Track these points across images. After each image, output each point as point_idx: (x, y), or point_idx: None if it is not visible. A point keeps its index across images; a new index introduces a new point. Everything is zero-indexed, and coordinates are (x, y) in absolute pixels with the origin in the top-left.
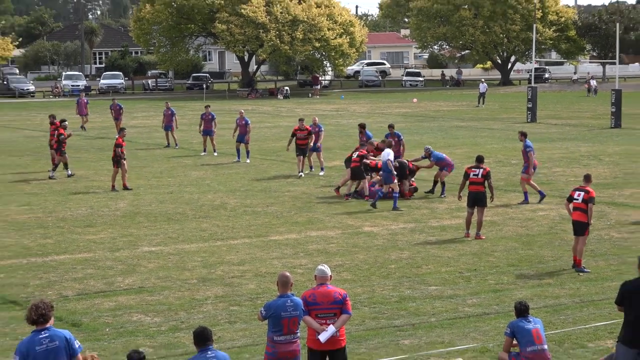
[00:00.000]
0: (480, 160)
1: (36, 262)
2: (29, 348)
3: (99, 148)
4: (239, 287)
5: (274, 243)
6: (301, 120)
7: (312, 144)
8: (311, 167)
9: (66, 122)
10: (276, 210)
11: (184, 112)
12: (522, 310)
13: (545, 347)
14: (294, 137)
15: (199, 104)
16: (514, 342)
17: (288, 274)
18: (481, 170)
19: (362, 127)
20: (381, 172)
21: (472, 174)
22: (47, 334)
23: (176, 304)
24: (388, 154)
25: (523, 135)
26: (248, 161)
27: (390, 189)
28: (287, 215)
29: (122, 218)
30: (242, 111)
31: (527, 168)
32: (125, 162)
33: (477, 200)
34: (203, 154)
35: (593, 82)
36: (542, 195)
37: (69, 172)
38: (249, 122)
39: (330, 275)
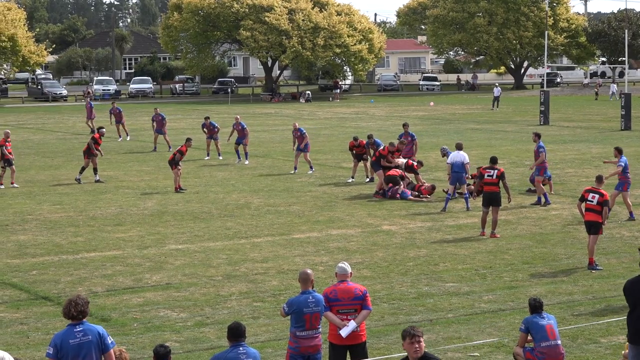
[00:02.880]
0: (494, 161)
1: (67, 259)
2: (64, 340)
3: (128, 150)
4: (262, 284)
5: (296, 241)
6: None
7: (297, 146)
8: (311, 167)
9: (104, 129)
10: (298, 210)
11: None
12: (536, 307)
13: (559, 342)
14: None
15: (224, 108)
16: (529, 337)
17: (309, 271)
18: (495, 171)
19: (370, 138)
20: (451, 173)
21: (486, 174)
22: (81, 328)
23: (202, 300)
24: (463, 156)
25: (537, 136)
26: (247, 162)
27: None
28: (308, 214)
29: (150, 217)
30: (238, 117)
31: (540, 170)
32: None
33: (492, 200)
34: (207, 158)
35: (613, 87)
36: (544, 200)
37: (97, 177)
38: (245, 126)
39: (351, 273)
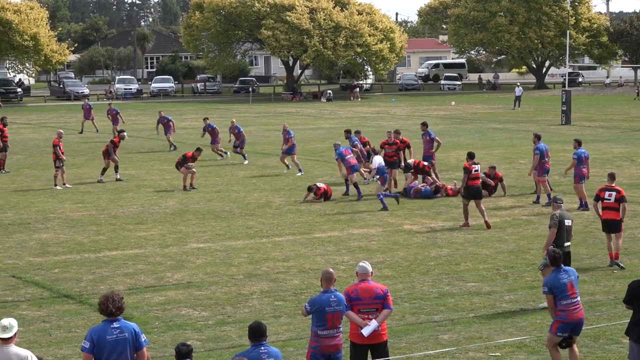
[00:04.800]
0: (473, 156)
1: (89, 257)
2: (100, 336)
3: (149, 149)
4: (283, 283)
5: (318, 240)
6: (389, 132)
7: (284, 147)
8: (288, 166)
9: (124, 133)
10: (319, 209)
11: (230, 115)
12: (556, 258)
13: (579, 298)
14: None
15: (245, 107)
16: None
17: (332, 270)
18: (479, 165)
19: (348, 132)
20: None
21: (473, 169)
22: (118, 325)
23: (223, 299)
24: (375, 161)
25: (537, 137)
26: (246, 162)
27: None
28: (330, 214)
29: (172, 216)
30: (234, 120)
31: (539, 170)
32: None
33: (476, 193)
34: (220, 158)
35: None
36: (538, 200)
37: (118, 175)
38: (242, 129)
39: (372, 272)
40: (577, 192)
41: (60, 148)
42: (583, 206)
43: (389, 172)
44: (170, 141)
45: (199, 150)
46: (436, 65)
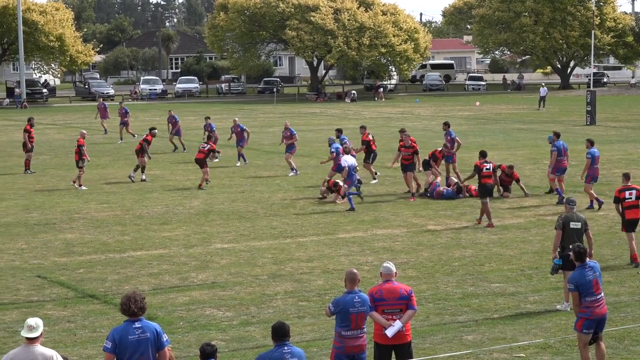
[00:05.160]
0: (485, 155)
1: (114, 257)
2: (122, 336)
3: (174, 149)
4: (307, 283)
5: (342, 241)
6: (403, 133)
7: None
8: (292, 169)
9: (155, 130)
10: (343, 209)
11: (255, 115)
12: (580, 254)
13: (602, 294)
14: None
15: (270, 107)
16: None
17: (356, 270)
18: (491, 164)
19: (339, 131)
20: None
21: (484, 168)
22: (139, 325)
23: (247, 299)
24: (346, 160)
25: (556, 135)
26: (240, 164)
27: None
28: (353, 214)
29: (196, 216)
30: (236, 119)
31: (553, 168)
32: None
33: (491, 191)
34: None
35: None
36: (561, 197)
37: (144, 176)
38: (245, 127)
39: (396, 272)
40: (587, 192)
41: (84, 148)
42: (595, 205)
43: (405, 175)
44: (172, 142)
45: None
46: (423, 66)
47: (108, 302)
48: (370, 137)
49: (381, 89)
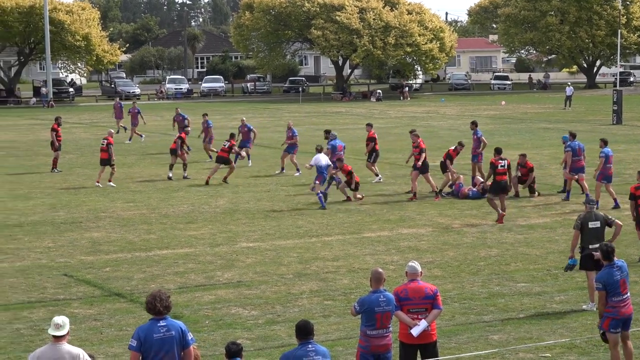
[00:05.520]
0: (500, 152)
1: (140, 256)
2: (147, 334)
3: (199, 148)
4: (333, 282)
5: (367, 240)
6: (413, 131)
7: (286, 144)
8: (282, 169)
9: (189, 128)
10: (369, 208)
11: (280, 114)
12: (608, 252)
13: (629, 294)
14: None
15: (295, 107)
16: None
17: (381, 270)
18: (505, 161)
19: (327, 132)
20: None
21: (499, 165)
22: (164, 323)
23: (273, 298)
24: (318, 159)
25: (572, 136)
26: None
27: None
28: (379, 213)
29: (222, 215)
30: (244, 119)
31: (568, 168)
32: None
33: (504, 189)
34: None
35: None
36: (567, 196)
37: (185, 173)
38: (252, 127)
39: (421, 272)
40: (596, 190)
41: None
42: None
43: (423, 176)
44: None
45: (232, 135)
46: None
47: (134, 300)
48: (376, 136)
49: (406, 89)
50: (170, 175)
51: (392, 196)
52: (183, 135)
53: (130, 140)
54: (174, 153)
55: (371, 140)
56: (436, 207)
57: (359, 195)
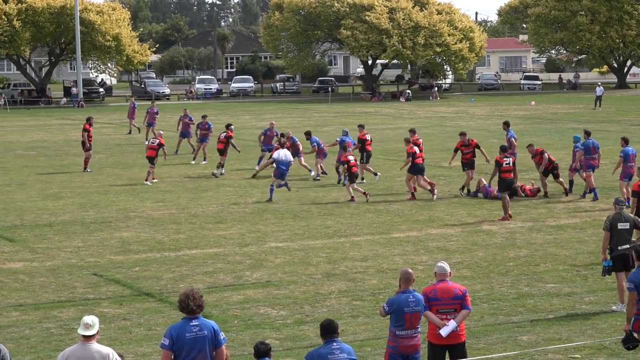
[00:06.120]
0: (505, 149)
1: (169, 256)
2: (179, 333)
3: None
4: (361, 283)
5: (396, 240)
6: (463, 134)
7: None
8: (311, 171)
9: (232, 126)
10: (398, 209)
11: (309, 114)
12: None
13: None
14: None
15: (325, 107)
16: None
17: (410, 270)
18: (510, 158)
19: (307, 134)
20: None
21: (504, 163)
22: (197, 323)
23: (301, 298)
24: (279, 154)
25: (587, 134)
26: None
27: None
28: (408, 214)
29: (251, 215)
30: (273, 123)
31: (583, 166)
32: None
33: (510, 186)
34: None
35: None
36: (583, 194)
37: (221, 171)
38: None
39: (450, 272)
40: (621, 190)
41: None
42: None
43: (467, 172)
44: (191, 144)
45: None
46: (385, 65)
47: (163, 300)
48: (368, 137)
49: (435, 89)
50: (216, 172)
51: (420, 196)
52: (230, 133)
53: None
54: (222, 153)
55: (361, 141)
56: (465, 208)
57: (354, 191)
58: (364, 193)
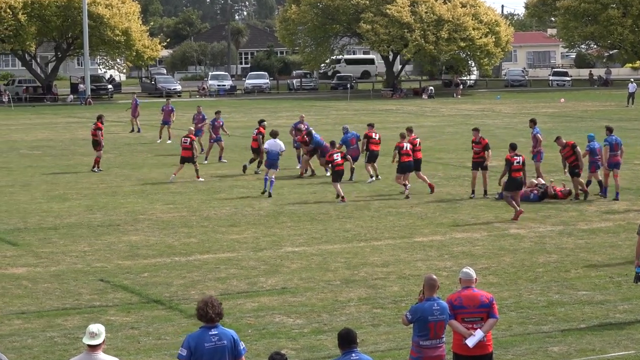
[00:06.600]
0: (515, 147)
1: (180, 261)
2: (198, 343)
3: (244, 147)
4: (382, 290)
5: (419, 245)
6: (475, 130)
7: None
8: (312, 171)
9: (265, 122)
10: (421, 211)
11: (327, 112)
12: None
13: None
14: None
15: (343, 104)
16: None
17: (434, 276)
18: (520, 157)
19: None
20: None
21: (515, 161)
22: (216, 332)
23: (319, 306)
24: (279, 144)
25: (609, 130)
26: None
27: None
28: (431, 216)
29: (266, 218)
30: (303, 115)
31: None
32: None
33: (519, 185)
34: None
35: None
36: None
37: (259, 169)
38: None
39: (476, 278)
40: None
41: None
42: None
43: (474, 173)
44: (201, 144)
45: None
46: (337, 61)
47: (173, 307)
48: (375, 136)
49: (460, 85)
50: (258, 170)
51: (445, 198)
52: (262, 130)
53: (160, 139)
54: (256, 152)
55: (366, 137)
56: (492, 210)
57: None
58: (341, 197)
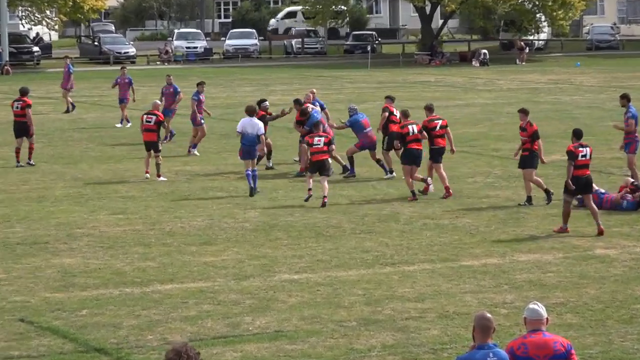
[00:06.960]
0: (580, 136)
1: (132, 293)
2: None
3: (221, 133)
4: (416, 334)
5: (467, 270)
6: (522, 111)
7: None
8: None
9: (267, 102)
10: (470, 224)
11: (340, 85)
12: None
13: None
14: None
15: (361, 74)
16: None
17: (489, 315)
18: (587, 148)
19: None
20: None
21: (580, 154)
22: None
23: (328, 356)
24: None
25: (626, 99)
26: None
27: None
28: (484, 231)
29: (253, 233)
30: (314, 90)
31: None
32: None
33: (587, 186)
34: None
35: None
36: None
37: (270, 163)
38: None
39: (547, 318)
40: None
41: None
42: None
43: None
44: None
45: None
46: (290, 14)
47: (122, 359)
48: (396, 112)
49: (525, 48)
50: (269, 164)
51: (504, 205)
52: (263, 113)
53: (121, 123)
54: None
55: (387, 111)
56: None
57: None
58: (308, 195)
